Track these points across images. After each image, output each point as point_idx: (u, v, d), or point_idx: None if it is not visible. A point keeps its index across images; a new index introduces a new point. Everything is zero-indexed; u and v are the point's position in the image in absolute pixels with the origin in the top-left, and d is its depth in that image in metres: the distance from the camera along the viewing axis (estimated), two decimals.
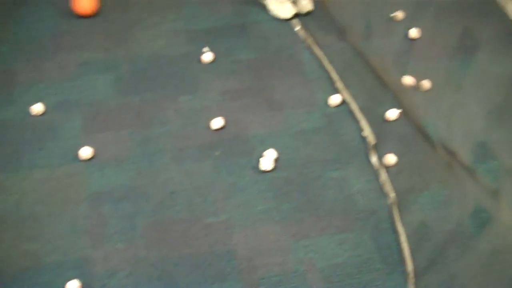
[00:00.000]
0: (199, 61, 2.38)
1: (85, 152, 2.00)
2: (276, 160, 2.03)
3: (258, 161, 2.01)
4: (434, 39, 2.45)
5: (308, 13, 2.64)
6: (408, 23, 2.58)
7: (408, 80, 2.28)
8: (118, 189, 1.93)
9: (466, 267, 1.72)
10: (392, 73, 2.31)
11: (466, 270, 1.72)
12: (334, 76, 2.35)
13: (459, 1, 2.43)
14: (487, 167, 2.00)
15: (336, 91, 2.28)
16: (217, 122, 2.13)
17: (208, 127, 2.13)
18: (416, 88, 2.10)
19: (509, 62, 2.17)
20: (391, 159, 2.04)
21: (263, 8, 2.65)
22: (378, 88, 2.32)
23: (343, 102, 2.25)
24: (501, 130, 1.84)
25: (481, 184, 1.94)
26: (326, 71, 2.38)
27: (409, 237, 1.81)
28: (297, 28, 2.58)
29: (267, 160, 2.00)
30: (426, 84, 2.30)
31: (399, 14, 2.64)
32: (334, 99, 2.24)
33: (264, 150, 2.04)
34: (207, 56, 2.39)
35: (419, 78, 2.30)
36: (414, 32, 2.54)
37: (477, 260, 1.73)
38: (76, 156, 2.01)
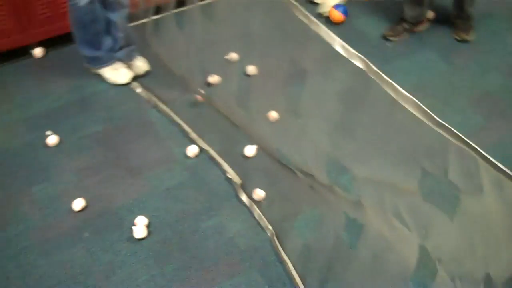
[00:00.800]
0: (45, 146, 2.27)
1: None
2: (149, 225, 1.97)
3: (130, 231, 1.94)
4: (270, 72, 2.57)
5: (146, 73, 2.65)
6: (244, 62, 2.69)
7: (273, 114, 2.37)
8: None
9: (354, 277, 1.79)
10: (239, 111, 2.37)
11: (355, 279, 1.79)
12: (186, 128, 2.36)
13: (281, 35, 2.58)
14: (343, 181, 2.11)
15: (191, 142, 2.30)
16: (78, 203, 2.03)
17: (71, 211, 2.03)
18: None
19: (336, 79, 2.34)
20: (260, 193, 2.08)
21: (99, 77, 2.60)
22: (230, 129, 2.37)
23: (201, 151, 2.27)
24: (345, 143, 1.96)
25: (343, 198, 2.04)
26: (177, 125, 2.38)
27: (295, 264, 1.85)
28: (138, 90, 2.57)
29: (139, 227, 1.95)
30: (274, 115, 2.40)
31: (234, 55, 2.73)
32: (192, 150, 2.25)
33: (134, 218, 1.98)
34: (52, 139, 2.29)
35: (265, 111, 2.39)
36: (251, 69, 2.65)
37: (362, 266, 1.80)
38: None
